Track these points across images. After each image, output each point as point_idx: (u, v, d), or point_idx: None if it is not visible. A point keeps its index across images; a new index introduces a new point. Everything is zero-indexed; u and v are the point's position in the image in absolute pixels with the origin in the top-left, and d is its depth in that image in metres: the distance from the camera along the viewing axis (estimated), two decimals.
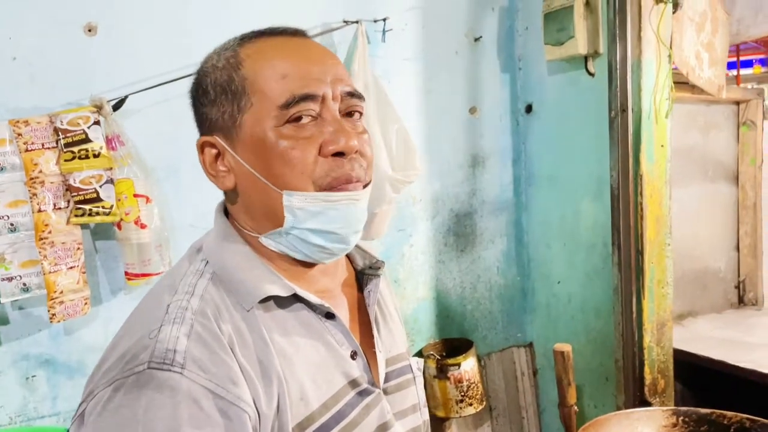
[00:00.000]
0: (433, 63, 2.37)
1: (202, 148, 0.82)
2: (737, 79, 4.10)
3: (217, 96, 0.79)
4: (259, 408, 0.72)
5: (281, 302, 0.80)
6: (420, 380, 0.98)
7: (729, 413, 1.86)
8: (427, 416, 0.98)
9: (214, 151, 0.82)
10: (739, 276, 3.01)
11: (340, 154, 0.78)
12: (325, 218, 0.78)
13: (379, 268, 0.93)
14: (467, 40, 2.45)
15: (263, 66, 0.78)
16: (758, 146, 2.89)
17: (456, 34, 2.43)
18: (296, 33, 0.83)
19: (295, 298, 0.81)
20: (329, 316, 0.83)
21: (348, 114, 0.82)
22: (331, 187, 0.78)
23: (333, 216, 0.79)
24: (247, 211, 0.83)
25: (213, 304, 0.76)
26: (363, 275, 0.94)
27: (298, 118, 0.77)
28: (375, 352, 0.87)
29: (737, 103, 2.92)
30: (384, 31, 2.21)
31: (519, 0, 2.51)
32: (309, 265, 0.85)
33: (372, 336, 0.89)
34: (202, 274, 0.80)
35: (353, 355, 0.84)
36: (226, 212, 0.87)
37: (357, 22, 2.11)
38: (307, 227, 0.79)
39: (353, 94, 0.81)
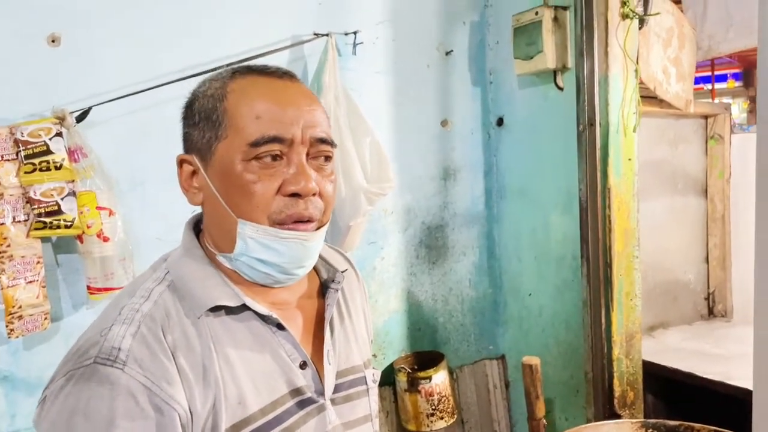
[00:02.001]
0: (404, 76, 2.38)
1: (180, 163, 0.90)
2: (712, 93, 4.17)
3: (200, 120, 0.86)
4: (192, 408, 0.78)
5: (232, 312, 0.86)
6: (374, 392, 1.02)
7: (697, 425, 1.87)
8: (377, 427, 1.02)
9: (190, 168, 0.89)
10: (708, 288, 3.05)
11: (296, 195, 0.84)
12: (272, 252, 0.85)
13: (340, 282, 0.98)
14: (438, 54, 2.46)
15: (243, 103, 0.85)
16: (726, 160, 2.93)
17: (427, 47, 2.44)
18: (284, 75, 0.89)
19: (246, 309, 0.86)
20: (280, 327, 0.88)
21: (317, 157, 0.88)
22: (282, 223, 0.84)
23: (281, 251, 0.85)
24: (209, 229, 0.91)
25: (164, 309, 0.82)
26: (326, 288, 0.99)
27: (265, 157, 0.83)
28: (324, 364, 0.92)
29: (705, 117, 2.97)
30: (355, 44, 2.22)
31: (489, 14, 2.54)
32: None
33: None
34: (161, 281, 0.86)
35: (303, 365, 0.89)
36: (197, 227, 0.94)
37: (327, 34, 2.11)
38: (255, 256, 0.85)
39: (324, 141, 0.87)
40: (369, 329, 1.10)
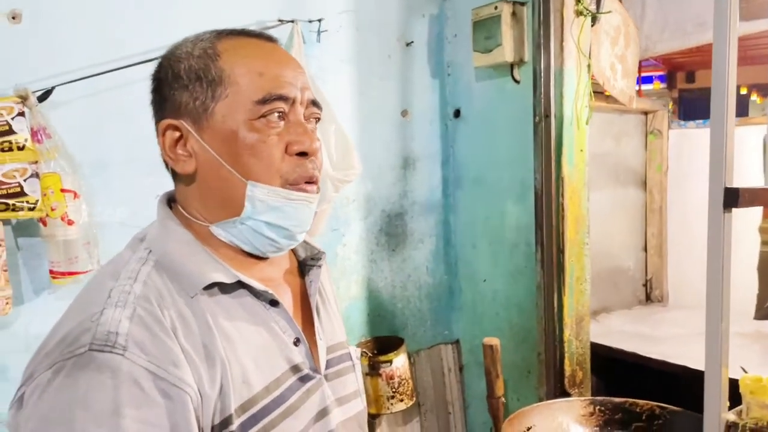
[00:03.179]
0: (366, 66, 2.41)
1: (164, 130, 0.84)
2: (639, 93, 4.40)
3: (190, 81, 0.82)
4: (201, 390, 0.74)
5: (225, 289, 0.83)
6: (359, 367, 1.02)
7: (641, 402, 2.01)
8: (365, 403, 1.02)
9: (176, 134, 0.83)
10: (646, 275, 3.23)
11: (303, 154, 0.83)
12: (281, 214, 0.83)
13: (320, 258, 0.97)
14: (399, 45, 2.51)
15: (241, 62, 0.82)
16: (664, 154, 3.11)
17: (389, 38, 2.48)
18: (270, 39, 0.88)
19: (240, 285, 0.83)
20: (273, 303, 0.86)
21: (308, 119, 0.87)
22: (295, 183, 0.83)
23: (289, 213, 0.83)
24: (201, 199, 0.85)
25: (156, 290, 0.78)
26: (305, 265, 0.98)
27: (272, 114, 0.81)
28: (316, 340, 0.91)
29: (645, 113, 3.14)
30: (319, 32, 2.23)
31: (448, 8, 2.60)
32: (253, 255, 0.88)
33: (313, 324, 0.92)
34: (145, 262, 0.81)
35: (296, 342, 0.87)
36: (170, 204, 0.89)
37: (292, 21, 2.12)
38: (263, 219, 0.83)
39: (315, 103, 0.87)
40: (339, 310, 1.10)
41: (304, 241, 0.98)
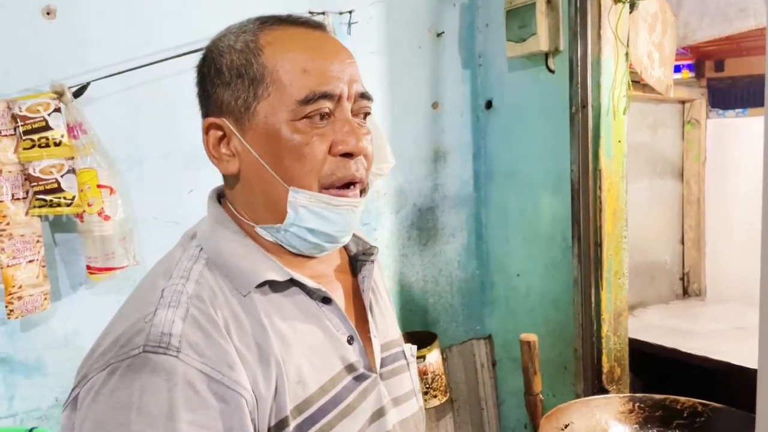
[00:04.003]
0: (397, 57, 2.38)
1: (207, 129, 0.81)
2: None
3: (232, 78, 0.78)
4: (256, 392, 0.72)
5: (278, 287, 0.80)
6: (414, 366, 0.98)
7: (682, 398, 1.95)
8: (422, 402, 0.99)
9: (219, 133, 0.81)
10: (683, 268, 3.16)
11: (348, 155, 0.79)
12: (325, 221, 0.79)
13: (373, 254, 0.94)
14: (430, 35, 2.47)
15: (284, 57, 0.77)
16: (702, 144, 3.03)
17: (419, 28, 2.44)
18: (317, 26, 0.83)
19: (292, 283, 0.81)
20: (326, 300, 0.83)
21: (357, 114, 0.82)
22: (332, 186, 0.79)
23: (333, 219, 0.80)
24: (246, 199, 0.83)
25: (209, 288, 0.76)
26: (357, 261, 0.95)
27: (316, 115, 0.77)
28: (370, 338, 0.88)
29: (683, 102, 3.06)
30: (350, 24, 2.21)
31: None
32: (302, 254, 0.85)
33: (367, 321, 0.89)
34: (197, 260, 0.79)
35: (350, 340, 0.84)
36: (219, 200, 0.87)
37: (323, 13, 2.10)
38: (306, 226, 0.79)
39: (365, 96, 0.82)
40: (392, 306, 1.06)
41: (356, 236, 0.95)
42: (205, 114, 0.82)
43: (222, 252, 0.80)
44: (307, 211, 0.79)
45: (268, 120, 0.77)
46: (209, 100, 0.81)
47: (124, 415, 0.65)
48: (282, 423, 0.74)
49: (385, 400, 0.86)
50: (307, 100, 0.76)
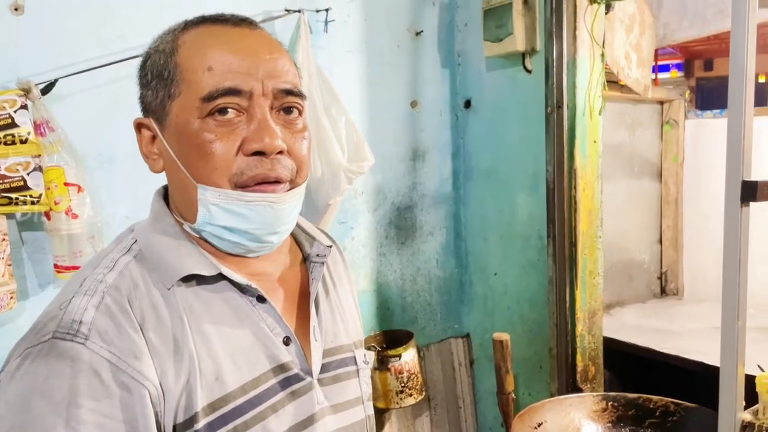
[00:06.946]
0: (375, 56, 2.37)
1: (138, 128, 0.83)
2: (655, 82, 4.32)
3: (152, 79, 0.79)
4: (164, 385, 0.73)
5: (207, 282, 0.80)
6: (365, 373, 0.96)
7: (655, 397, 1.96)
8: (371, 411, 0.97)
9: (149, 133, 0.83)
10: (661, 267, 3.18)
11: (260, 153, 0.76)
12: (239, 218, 0.78)
13: (325, 255, 0.92)
14: (409, 34, 2.46)
15: (194, 55, 0.77)
16: (680, 144, 3.05)
17: (398, 27, 2.43)
18: (240, 22, 0.81)
19: (222, 279, 0.80)
20: (261, 299, 0.82)
21: (285, 110, 0.80)
22: (245, 186, 0.77)
23: (248, 216, 0.78)
24: (174, 197, 0.85)
25: (130, 279, 0.77)
26: (310, 262, 0.93)
27: (222, 111, 0.76)
28: (311, 340, 0.86)
29: (661, 102, 3.08)
30: (326, 22, 2.20)
31: None
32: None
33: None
34: (127, 251, 0.80)
35: (286, 341, 0.83)
36: (167, 197, 0.87)
37: (299, 11, 2.08)
38: (221, 224, 0.78)
39: (291, 92, 0.80)
40: (358, 311, 1.04)
41: (309, 236, 0.94)
42: (142, 115, 0.84)
43: (153, 244, 0.80)
44: (219, 208, 0.77)
45: (179, 118, 0.77)
46: (141, 101, 0.83)
47: (27, 399, 0.67)
48: (191, 420, 0.74)
49: (318, 406, 0.85)
50: (210, 97, 0.75)
